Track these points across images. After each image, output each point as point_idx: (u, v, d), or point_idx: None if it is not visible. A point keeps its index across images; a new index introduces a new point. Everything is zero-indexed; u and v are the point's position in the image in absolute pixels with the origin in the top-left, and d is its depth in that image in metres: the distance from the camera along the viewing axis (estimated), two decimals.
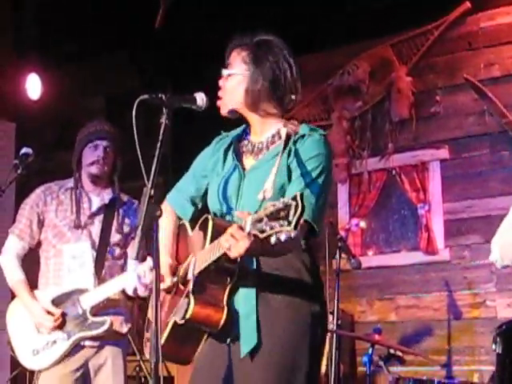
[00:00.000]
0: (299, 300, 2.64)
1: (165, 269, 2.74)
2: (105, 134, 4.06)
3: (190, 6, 6.07)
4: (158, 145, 2.52)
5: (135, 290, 3.74)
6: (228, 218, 2.73)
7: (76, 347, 3.87)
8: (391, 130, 6.24)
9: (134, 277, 3.55)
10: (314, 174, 2.61)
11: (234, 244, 2.39)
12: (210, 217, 2.69)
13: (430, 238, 5.93)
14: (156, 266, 2.40)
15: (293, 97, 2.77)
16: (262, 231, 2.26)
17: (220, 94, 2.80)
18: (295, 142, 2.67)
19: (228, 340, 2.66)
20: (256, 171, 2.71)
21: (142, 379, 5.63)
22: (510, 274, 5.51)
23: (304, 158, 2.63)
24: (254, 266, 2.63)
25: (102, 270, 3.93)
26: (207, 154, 2.94)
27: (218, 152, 2.88)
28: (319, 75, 6.49)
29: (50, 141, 7.16)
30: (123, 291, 3.87)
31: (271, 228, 2.23)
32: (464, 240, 5.87)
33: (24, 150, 4.05)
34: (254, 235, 2.32)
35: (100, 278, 3.90)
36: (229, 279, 2.61)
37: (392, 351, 5.06)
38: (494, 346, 4.00)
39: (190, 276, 2.66)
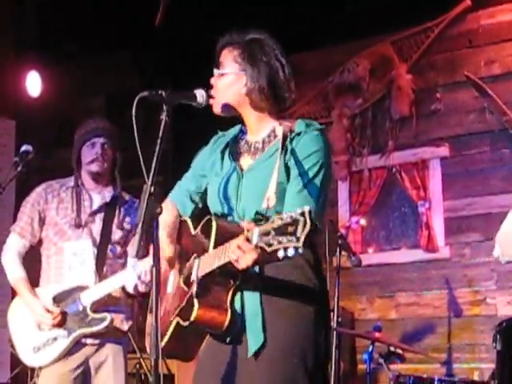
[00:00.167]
0: (302, 298, 2.64)
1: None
2: (101, 131, 4.06)
3: (190, 6, 6.07)
4: (158, 142, 2.52)
5: (135, 287, 3.74)
6: (229, 218, 2.72)
7: (77, 345, 3.87)
8: (391, 127, 6.24)
9: (133, 274, 3.55)
10: (312, 172, 2.61)
11: (241, 256, 2.39)
12: (213, 218, 2.68)
13: (430, 236, 5.93)
14: (156, 264, 2.40)
15: (286, 95, 2.76)
16: (269, 245, 2.26)
17: (212, 92, 2.78)
18: (292, 140, 2.66)
19: (229, 339, 2.65)
20: (254, 171, 2.71)
21: (142, 377, 5.63)
22: (511, 272, 5.52)
23: (302, 156, 2.62)
24: (257, 267, 2.62)
25: (103, 268, 3.93)
26: (205, 153, 2.94)
27: (215, 152, 2.87)
28: (319, 73, 6.49)
29: (50, 138, 7.15)
30: (124, 289, 3.87)
31: (279, 242, 2.23)
32: (464, 238, 5.88)
33: (24, 148, 4.05)
34: (262, 248, 2.31)
35: (101, 276, 3.90)
36: (232, 281, 2.61)
37: (392, 349, 5.07)
38: (494, 344, 4.00)
39: (193, 278, 2.66)
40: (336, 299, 4.80)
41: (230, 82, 2.75)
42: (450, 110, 6.06)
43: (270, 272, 2.61)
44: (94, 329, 3.84)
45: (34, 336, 3.89)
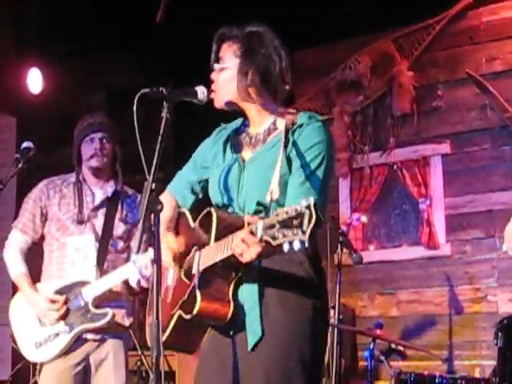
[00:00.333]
0: (301, 293, 2.63)
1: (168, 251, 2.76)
2: (98, 126, 4.06)
3: (190, 6, 6.06)
4: (159, 139, 2.52)
5: (138, 282, 3.73)
6: (230, 209, 2.72)
7: (78, 341, 3.87)
8: (393, 124, 6.24)
9: (135, 269, 3.55)
10: (314, 164, 2.60)
11: (246, 249, 2.39)
12: (213, 210, 2.68)
13: (431, 233, 5.93)
14: (157, 259, 2.40)
15: (286, 87, 2.77)
16: (275, 238, 2.26)
17: (213, 87, 2.79)
18: (293, 132, 2.66)
19: (231, 332, 2.66)
20: (255, 163, 2.71)
21: (143, 374, 5.63)
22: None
23: (304, 148, 2.62)
24: (257, 260, 2.62)
25: (104, 263, 3.94)
26: (207, 145, 2.94)
27: (218, 143, 2.88)
28: (321, 70, 6.49)
29: (51, 135, 7.14)
30: (126, 284, 3.86)
31: (284, 236, 2.23)
32: (465, 235, 5.88)
33: (25, 145, 4.05)
34: (266, 241, 2.31)
35: (102, 271, 3.90)
36: (234, 274, 2.61)
37: (393, 346, 5.08)
38: (495, 341, 4.01)
39: (194, 271, 2.66)
40: (337, 296, 4.80)
41: (230, 77, 2.75)
42: (451, 106, 6.05)
43: (270, 266, 2.61)
44: (96, 324, 3.84)
45: (36, 332, 3.90)
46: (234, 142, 2.83)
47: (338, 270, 4.90)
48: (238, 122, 2.90)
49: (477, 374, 5.26)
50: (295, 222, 2.20)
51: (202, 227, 2.74)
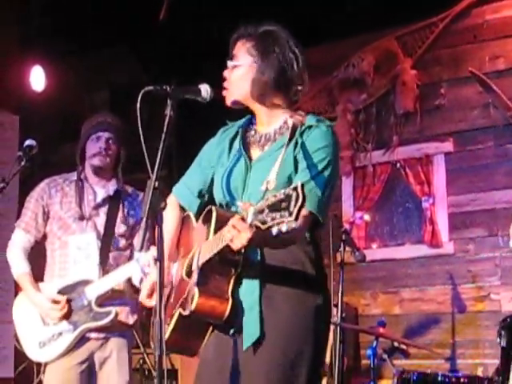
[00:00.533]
0: (303, 292, 2.63)
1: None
2: (107, 125, 4.06)
3: (190, 6, 6.06)
4: (163, 137, 2.52)
5: (141, 280, 3.73)
6: (233, 208, 2.72)
7: (82, 339, 3.88)
8: (396, 122, 6.23)
9: (138, 267, 3.55)
10: (320, 166, 2.60)
11: (237, 235, 2.38)
12: (213, 208, 2.68)
13: (434, 231, 5.93)
14: (160, 258, 2.40)
15: (299, 87, 2.76)
16: (264, 222, 2.25)
17: (225, 84, 2.79)
18: (302, 133, 2.66)
19: (232, 331, 2.65)
20: (262, 162, 2.70)
21: (146, 372, 5.64)
22: None
23: (311, 150, 2.62)
24: (258, 258, 2.62)
25: (106, 261, 3.94)
26: (213, 144, 2.93)
27: (224, 142, 2.86)
28: (324, 68, 6.48)
29: (54, 133, 7.15)
30: (130, 283, 3.86)
31: (272, 219, 2.22)
32: (468, 233, 5.87)
33: (28, 142, 4.04)
34: (256, 226, 2.31)
35: (105, 269, 3.90)
36: (233, 270, 2.60)
37: (396, 344, 5.08)
38: (498, 340, 4.01)
39: (194, 267, 2.66)
40: (340, 294, 4.80)
41: (242, 74, 2.74)
42: (455, 105, 6.05)
43: (271, 264, 2.61)
44: (100, 323, 3.84)
45: (40, 331, 3.90)
46: (241, 141, 2.81)
47: (341, 268, 4.90)
48: (244, 120, 2.88)
49: (479, 373, 5.24)
50: (283, 205, 2.20)
51: (202, 226, 2.74)
